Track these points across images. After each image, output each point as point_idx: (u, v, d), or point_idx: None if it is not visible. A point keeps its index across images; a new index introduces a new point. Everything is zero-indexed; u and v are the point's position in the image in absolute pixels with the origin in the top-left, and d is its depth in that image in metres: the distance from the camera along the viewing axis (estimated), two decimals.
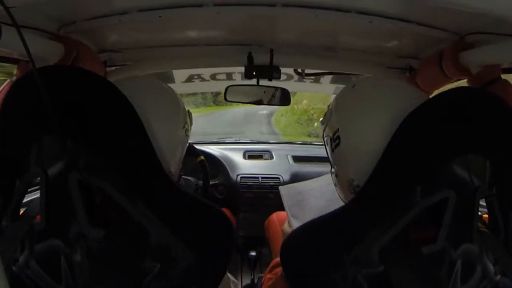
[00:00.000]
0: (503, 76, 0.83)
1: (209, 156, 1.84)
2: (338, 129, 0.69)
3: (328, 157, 0.77)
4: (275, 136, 7.20)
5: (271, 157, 2.01)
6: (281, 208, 1.53)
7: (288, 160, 1.98)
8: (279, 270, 0.89)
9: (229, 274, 0.97)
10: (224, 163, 1.89)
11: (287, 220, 1.10)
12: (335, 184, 0.78)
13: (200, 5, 0.85)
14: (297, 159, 1.99)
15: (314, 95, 6.49)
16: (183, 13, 0.87)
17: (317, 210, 1.00)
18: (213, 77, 1.68)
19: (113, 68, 1.20)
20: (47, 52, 0.82)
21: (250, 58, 1.13)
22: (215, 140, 2.34)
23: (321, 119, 0.81)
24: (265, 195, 1.80)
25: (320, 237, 0.66)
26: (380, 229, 0.59)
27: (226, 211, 1.16)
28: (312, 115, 7.19)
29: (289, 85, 1.47)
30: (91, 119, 0.60)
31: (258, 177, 1.84)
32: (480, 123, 0.61)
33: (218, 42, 1.17)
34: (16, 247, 0.58)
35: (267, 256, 1.84)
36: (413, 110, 0.61)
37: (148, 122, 0.64)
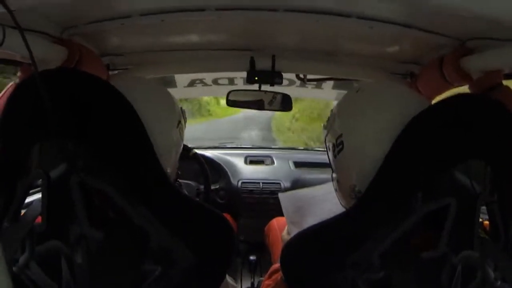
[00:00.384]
0: (505, 82, 0.83)
1: (210, 161, 1.84)
2: (341, 134, 0.68)
3: (329, 163, 0.76)
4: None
5: (272, 163, 2.01)
6: (282, 213, 1.53)
7: (289, 166, 1.98)
8: (278, 275, 0.88)
9: (228, 278, 0.97)
10: (225, 168, 1.89)
11: (286, 227, 1.10)
12: (336, 190, 0.77)
13: (202, 10, 0.86)
14: (298, 164, 1.99)
15: None
16: (185, 17, 0.88)
17: (316, 218, 0.99)
18: (215, 81, 1.69)
19: (116, 71, 1.21)
20: (50, 55, 0.83)
21: (252, 63, 1.14)
22: (216, 145, 2.34)
23: (323, 124, 0.80)
24: (266, 200, 1.80)
25: (321, 242, 0.65)
26: (381, 234, 0.59)
27: (227, 216, 1.15)
28: None
29: (291, 91, 1.48)
30: (93, 122, 0.60)
31: (259, 183, 1.84)
32: (481, 130, 0.61)
33: (220, 46, 1.18)
34: (17, 248, 0.58)
35: (267, 260, 1.83)
36: (415, 116, 0.61)
37: (144, 122, 0.64)
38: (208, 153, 1.94)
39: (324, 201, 1.05)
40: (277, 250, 1.18)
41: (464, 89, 0.92)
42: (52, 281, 0.57)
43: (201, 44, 1.17)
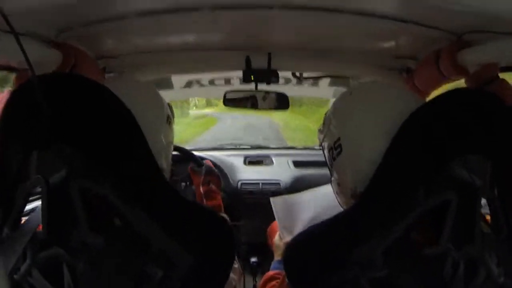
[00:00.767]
0: (501, 75, 0.83)
1: None
2: (339, 137, 0.69)
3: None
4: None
5: (271, 163, 2.01)
6: None
7: (289, 165, 1.98)
8: (274, 283, 0.88)
9: (232, 280, 0.96)
10: (225, 169, 1.88)
11: (278, 233, 1.09)
12: (336, 193, 0.77)
13: (197, 9, 0.86)
14: (298, 164, 1.99)
15: None
16: (180, 17, 0.87)
17: (308, 223, 0.99)
18: (212, 82, 1.69)
19: (112, 74, 1.20)
20: (45, 59, 0.82)
21: (248, 62, 1.14)
22: (215, 147, 2.34)
23: (318, 128, 0.80)
24: (266, 201, 1.78)
25: (323, 241, 0.65)
26: (383, 231, 0.59)
27: (227, 217, 1.15)
28: None
29: (287, 89, 1.48)
30: (91, 126, 0.60)
31: (258, 183, 1.83)
32: (479, 124, 0.61)
33: (216, 46, 1.18)
34: (18, 256, 0.57)
35: (268, 262, 1.82)
36: (412, 112, 0.61)
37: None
38: (207, 154, 1.94)
39: (317, 206, 1.05)
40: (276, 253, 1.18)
41: (461, 83, 0.92)
42: None
43: (197, 44, 1.17)
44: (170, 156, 0.79)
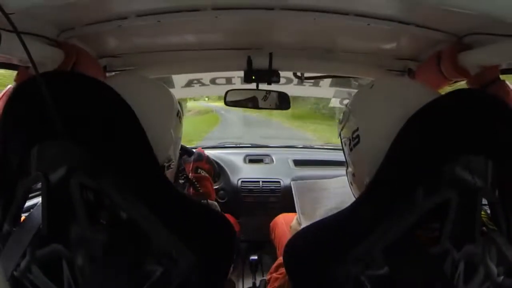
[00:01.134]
0: (502, 77, 0.83)
1: None
2: (358, 128, 0.70)
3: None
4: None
5: (272, 161, 2.01)
6: (282, 212, 1.53)
7: (289, 164, 1.98)
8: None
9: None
10: (225, 167, 1.88)
11: (296, 217, 1.09)
12: (351, 183, 0.78)
13: (198, 10, 0.86)
14: (298, 163, 1.99)
15: None
16: (182, 17, 0.88)
17: (327, 211, 1.00)
18: (213, 81, 1.69)
19: (113, 73, 1.21)
20: (47, 58, 0.83)
21: (249, 62, 1.14)
22: (215, 145, 2.34)
23: (338, 119, 0.82)
24: (266, 199, 1.79)
25: (324, 237, 0.66)
26: (383, 228, 0.59)
27: (228, 215, 1.15)
28: None
29: (288, 89, 1.48)
30: (92, 123, 0.60)
31: (259, 181, 1.84)
32: (480, 124, 0.61)
33: (217, 46, 1.18)
34: (19, 252, 0.57)
35: (268, 259, 1.83)
36: (416, 111, 0.61)
37: (145, 115, 0.64)
38: (207, 152, 1.94)
39: (337, 195, 1.05)
40: (283, 244, 1.19)
41: (463, 84, 0.92)
42: (54, 285, 0.57)
43: (198, 44, 1.17)
44: (178, 150, 0.80)
